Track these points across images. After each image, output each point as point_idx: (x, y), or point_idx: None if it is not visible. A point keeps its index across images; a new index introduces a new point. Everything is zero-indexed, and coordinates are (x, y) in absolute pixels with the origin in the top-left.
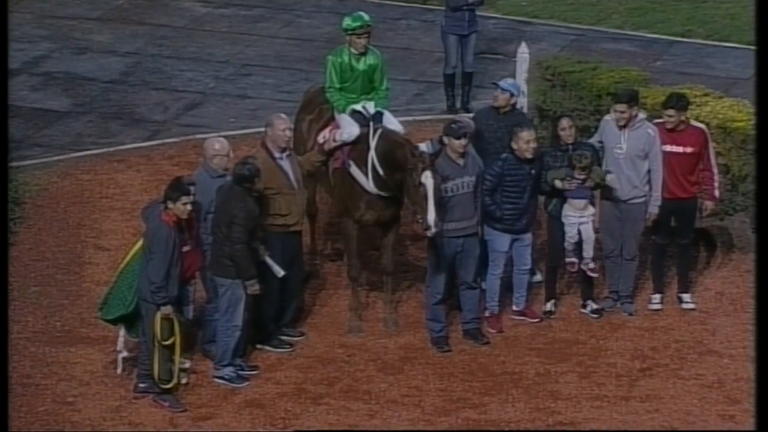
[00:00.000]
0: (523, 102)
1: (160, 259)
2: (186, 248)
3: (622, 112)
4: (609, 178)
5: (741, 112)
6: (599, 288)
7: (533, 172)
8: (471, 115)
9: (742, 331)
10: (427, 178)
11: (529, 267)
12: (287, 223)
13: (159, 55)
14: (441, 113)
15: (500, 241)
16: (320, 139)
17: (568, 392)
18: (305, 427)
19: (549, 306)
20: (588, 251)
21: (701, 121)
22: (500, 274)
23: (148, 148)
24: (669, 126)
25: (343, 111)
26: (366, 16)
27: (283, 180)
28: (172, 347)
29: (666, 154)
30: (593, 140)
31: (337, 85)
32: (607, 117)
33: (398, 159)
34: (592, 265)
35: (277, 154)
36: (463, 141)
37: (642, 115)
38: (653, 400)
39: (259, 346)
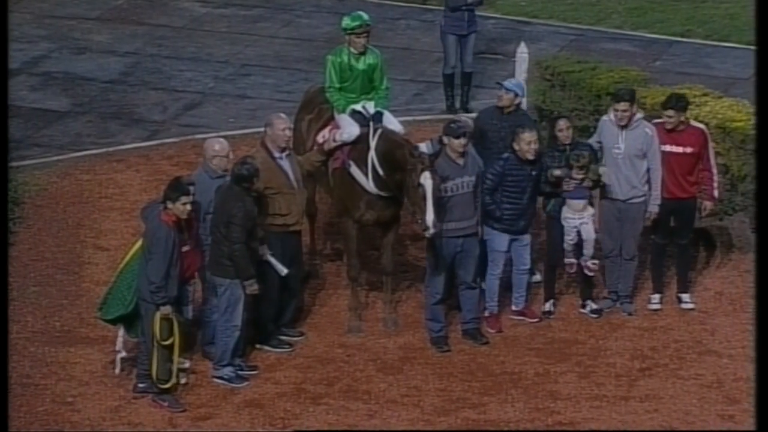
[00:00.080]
0: (522, 102)
1: (160, 259)
2: (185, 248)
3: (624, 111)
4: (602, 170)
5: (740, 112)
6: (598, 288)
7: (534, 173)
8: (471, 114)
9: (741, 331)
10: (426, 179)
11: (528, 267)
12: (287, 223)
13: (158, 55)
14: (440, 113)
15: (499, 240)
16: (320, 139)
17: (567, 392)
18: (305, 427)
19: (548, 306)
20: (588, 250)
21: (701, 121)
22: (499, 274)
23: (147, 148)
24: (668, 126)
25: (343, 111)
26: (365, 16)
27: (282, 180)
28: (171, 347)
29: (665, 154)
30: (592, 141)
31: (337, 85)
32: (604, 117)
33: (398, 159)
34: (591, 263)
35: (276, 154)
36: (462, 140)
37: (640, 114)
38: (652, 400)
39: (258, 346)
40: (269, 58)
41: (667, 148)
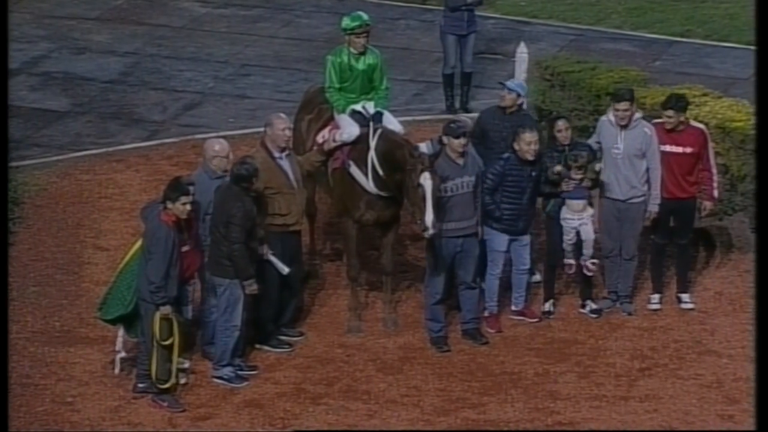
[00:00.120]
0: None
1: (159, 259)
2: (185, 248)
3: (626, 111)
4: (598, 167)
5: (740, 112)
6: (598, 288)
7: (534, 173)
8: (471, 114)
9: (741, 331)
10: (426, 180)
11: (527, 267)
12: (287, 223)
13: (158, 55)
14: (440, 113)
15: (498, 240)
16: (320, 139)
17: (567, 392)
18: (304, 427)
19: (548, 306)
20: (587, 250)
21: (700, 121)
22: (499, 274)
23: (147, 148)
24: (668, 126)
25: (343, 111)
26: (365, 16)
27: (282, 179)
28: (170, 347)
29: (665, 154)
30: (591, 141)
31: (337, 85)
32: (603, 118)
33: (398, 159)
34: (590, 263)
35: (276, 154)
36: (462, 140)
37: (638, 114)
38: (652, 400)
39: (258, 346)
40: (269, 58)
41: (667, 148)
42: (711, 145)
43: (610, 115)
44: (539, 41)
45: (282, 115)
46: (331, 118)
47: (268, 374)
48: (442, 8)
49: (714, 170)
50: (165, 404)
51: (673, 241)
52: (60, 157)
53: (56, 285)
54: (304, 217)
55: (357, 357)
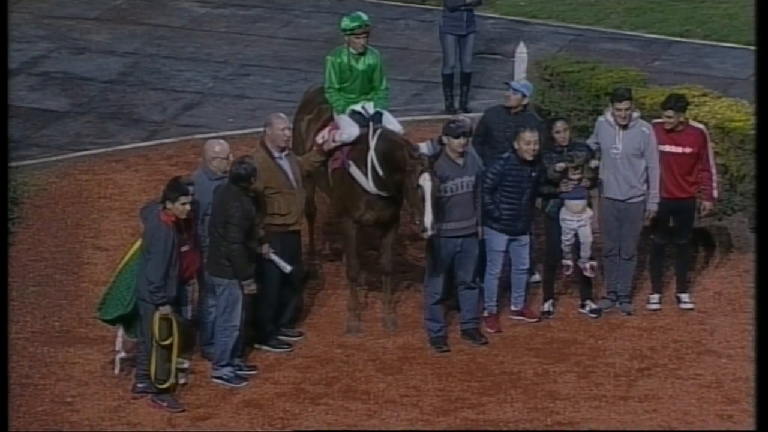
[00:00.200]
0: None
1: (159, 259)
2: (184, 248)
3: (627, 110)
4: (594, 164)
5: (739, 112)
6: (597, 288)
7: (533, 174)
8: (471, 114)
9: (740, 331)
10: (425, 181)
11: (527, 267)
12: (286, 223)
13: (157, 55)
14: (439, 113)
15: (498, 240)
16: (319, 139)
17: (566, 392)
18: (304, 427)
19: (547, 306)
20: (585, 252)
21: (700, 121)
22: (498, 273)
23: (146, 148)
24: (668, 126)
25: (342, 111)
26: (364, 17)
27: (282, 179)
28: (170, 347)
29: (665, 154)
30: (589, 142)
31: (336, 86)
32: (601, 118)
33: (397, 160)
34: (588, 265)
35: (276, 154)
36: (462, 140)
37: (636, 113)
38: (652, 400)
39: (257, 346)
40: (268, 58)
41: (667, 148)
42: (710, 145)
43: (608, 116)
44: (538, 41)
45: (282, 114)
46: (331, 119)
47: (267, 374)
48: (441, 8)
49: (713, 170)
50: (164, 404)
51: (673, 241)
52: (59, 157)
53: (56, 285)
54: (304, 217)
55: (356, 357)
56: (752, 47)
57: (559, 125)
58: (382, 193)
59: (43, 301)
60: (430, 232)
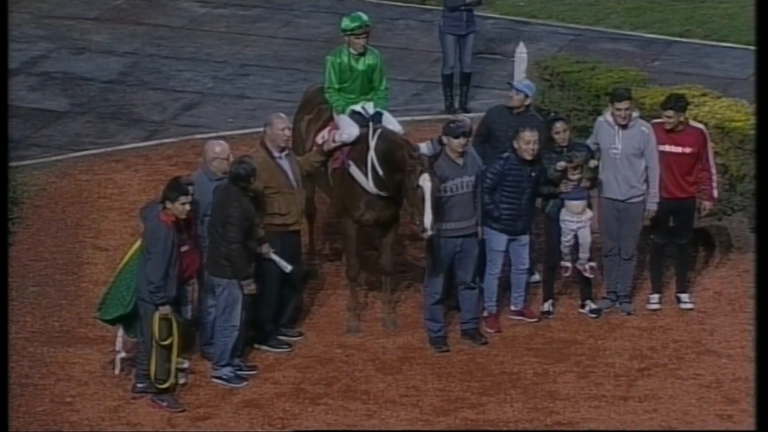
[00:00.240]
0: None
1: (159, 259)
2: (184, 248)
3: (627, 110)
4: (593, 164)
5: (739, 112)
6: (597, 288)
7: (533, 174)
8: (470, 115)
9: (740, 331)
10: (425, 181)
11: (527, 267)
12: (286, 223)
13: (157, 55)
14: (439, 113)
15: (497, 240)
16: (319, 139)
17: (566, 392)
18: (303, 427)
19: (547, 306)
20: (584, 254)
21: (699, 121)
22: (498, 273)
23: (146, 148)
24: (668, 126)
25: (342, 111)
26: (365, 17)
27: (282, 179)
28: (170, 347)
29: (665, 154)
30: (588, 142)
31: (336, 86)
32: (600, 118)
33: (397, 160)
34: (588, 266)
35: (276, 154)
36: (462, 140)
37: (636, 113)
38: (651, 399)
39: (257, 346)
40: (268, 58)
41: (667, 148)
42: (710, 145)
43: (608, 116)
44: (538, 41)
45: (281, 114)
46: (331, 119)
47: (267, 374)
48: (441, 8)
49: (713, 170)
50: (164, 404)
51: (673, 241)
52: (59, 157)
53: (55, 285)
54: (304, 217)
55: (356, 357)
56: (752, 47)
57: (559, 126)
58: (382, 193)
59: (42, 301)
60: (429, 233)
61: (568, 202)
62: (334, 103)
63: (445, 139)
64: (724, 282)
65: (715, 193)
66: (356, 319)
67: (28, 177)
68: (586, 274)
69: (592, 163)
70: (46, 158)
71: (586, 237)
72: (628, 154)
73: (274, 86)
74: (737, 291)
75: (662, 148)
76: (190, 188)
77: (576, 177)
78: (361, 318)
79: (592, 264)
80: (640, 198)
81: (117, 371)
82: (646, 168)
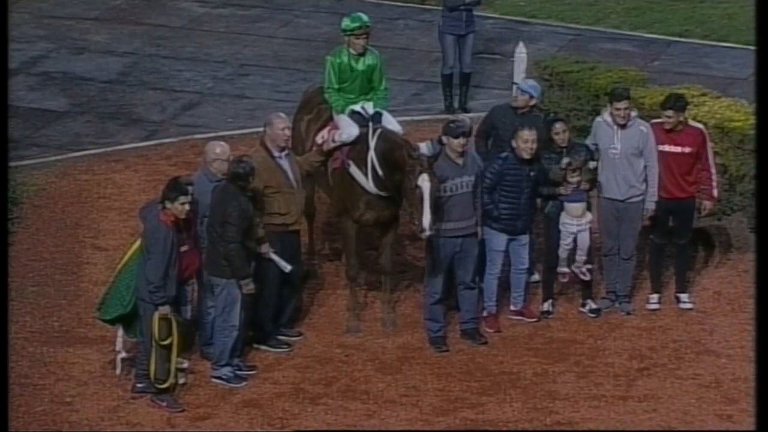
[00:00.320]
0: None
1: (158, 259)
2: (184, 248)
3: (626, 109)
4: (592, 165)
5: (739, 111)
6: (597, 287)
7: (532, 173)
8: (471, 114)
9: (739, 331)
10: (424, 181)
11: (526, 267)
12: (286, 222)
13: (157, 55)
14: (439, 113)
15: (497, 240)
16: (319, 139)
17: (565, 392)
18: (303, 427)
19: (546, 306)
20: (582, 256)
21: (699, 121)
22: (497, 273)
23: (145, 148)
24: (667, 126)
25: (342, 111)
26: (365, 17)
27: (282, 179)
28: (169, 347)
29: (664, 154)
30: (587, 142)
31: (336, 86)
32: (599, 118)
33: (397, 160)
34: (585, 268)
35: (276, 153)
36: (461, 140)
37: (634, 113)
38: (651, 399)
39: (256, 346)
40: (268, 58)
41: (666, 148)
42: (710, 144)
43: (606, 116)
44: (538, 41)
45: (281, 114)
46: (330, 119)
47: (266, 374)
48: (440, 8)
49: (713, 170)
50: (164, 404)
51: (672, 241)
52: (59, 157)
53: (55, 285)
54: (303, 217)
55: (356, 357)
56: (751, 47)
57: (559, 126)
58: (381, 193)
59: (42, 301)
60: (428, 233)
61: (567, 205)
62: (333, 103)
63: (444, 139)
64: (723, 282)
65: (715, 193)
66: (356, 319)
67: (27, 177)
68: (582, 277)
69: (591, 164)
70: (46, 158)
71: (585, 241)
72: (627, 153)
73: (273, 86)
74: (737, 291)
75: (662, 147)
76: (190, 188)
77: (575, 180)
78: (360, 318)
79: (589, 266)
80: (640, 198)
81: (118, 371)
82: (645, 167)
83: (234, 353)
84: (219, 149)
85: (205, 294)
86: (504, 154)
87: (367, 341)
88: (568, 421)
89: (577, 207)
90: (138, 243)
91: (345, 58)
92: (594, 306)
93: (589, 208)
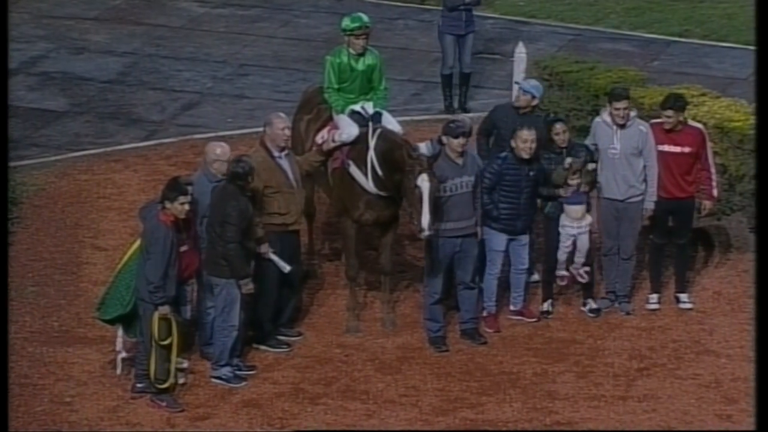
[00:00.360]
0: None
1: (158, 259)
2: (183, 248)
3: (625, 109)
4: (591, 166)
5: (738, 111)
6: (597, 287)
7: (531, 173)
8: (470, 114)
9: (739, 331)
10: (423, 181)
11: (526, 267)
12: (286, 222)
13: (156, 55)
14: (438, 113)
15: (497, 240)
16: (319, 139)
17: (565, 392)
18: (303, 427)
19: (546, 306)
20: (580, 259)
21: (698, 121)
22: (497, 273)
23: (145, 148)
24: (667, 126)
25: (342, 111)
26: (365, 17)
27: (282, 179)
28: (169, 347)
29: (664, 154)
30: (586, 143)
31: (336, 86)
32: (598, 119)
33: (397, 160)
34: (582, 270)
35: (276, 153)
36: (461, 140)
37: (633, 113)
38: (650, 399)
39: (256, 346)
40: (267, 58)
41: (666, 147)
42: (709, 144)
43: (605, 116)
44: (537, 41)
45: (281, 114)
46: (330, 119)
47: (266, 374)
48: (440, 8)
49: (713, 170)
50: (163, 404)
51: (672, 241)
52: (58, 157)
53: (55, 285)
54: (303, 217)
55: (355, 357)
56: (751, 47)
57: (558, 127)
58: (381, 193)
59: (42, 301)
60: (427, 233)
61: (567, 207)
62: (333, 103)
63: (444, 139)
64: (723, 282)
65: (715, 193)
66: (355, 319)
67: (27, 177)
68: (580, 279)
69: (591, 166)
70: (46, 158)
71: (584, 244)
72: (626, 153)
73: (273, 86)
74: (736, 291)
75: (661, 147)
76: (189, 188)
77: (575, 182)
78: (360, 318)
79: (587, 269)
80: (639, 198)
81: (118, 371)
82: (645, 167)
83: (234, 353)
84: (219, 150)
85: (204, 294)
86: (503, 154)
87: (367, 341)
88: (568, 421)
89: (576, 209)
90: (138, 243)
91: (345, 58)
92: (594, 306)
93: (588, 211)
